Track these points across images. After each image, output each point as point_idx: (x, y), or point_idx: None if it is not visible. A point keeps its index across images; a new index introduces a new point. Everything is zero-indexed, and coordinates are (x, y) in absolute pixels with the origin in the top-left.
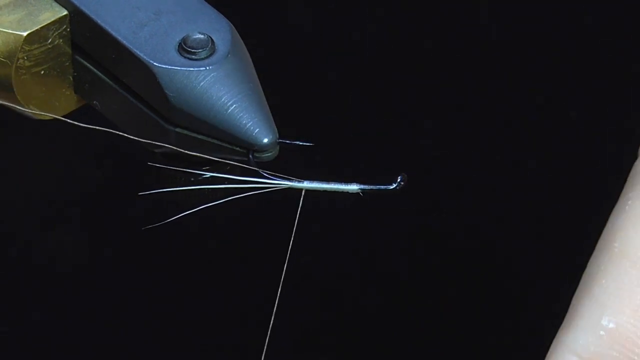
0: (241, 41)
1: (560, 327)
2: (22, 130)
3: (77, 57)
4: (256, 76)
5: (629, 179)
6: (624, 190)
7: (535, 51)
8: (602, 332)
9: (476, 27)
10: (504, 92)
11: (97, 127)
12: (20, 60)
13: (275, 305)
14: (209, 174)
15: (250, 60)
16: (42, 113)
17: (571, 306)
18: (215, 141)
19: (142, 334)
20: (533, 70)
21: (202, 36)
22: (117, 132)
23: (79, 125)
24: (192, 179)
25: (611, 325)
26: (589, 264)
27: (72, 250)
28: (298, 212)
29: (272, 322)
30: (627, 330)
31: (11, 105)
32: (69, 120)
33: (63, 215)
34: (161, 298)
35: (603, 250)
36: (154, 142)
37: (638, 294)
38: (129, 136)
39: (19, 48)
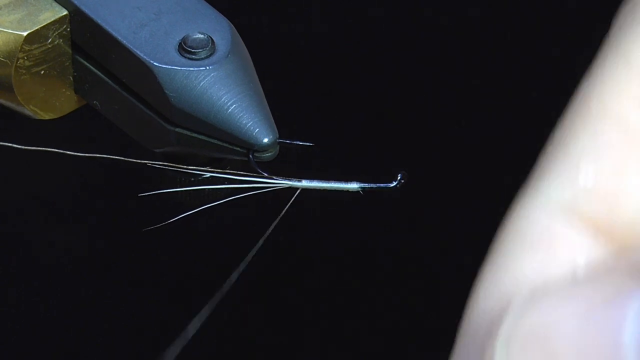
0: (241, 41)
1: (524, 189)
2: (22, 129)
3: (77, 57)
4: (256, 76)
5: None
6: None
7: (537, 49)
8: (580, 187)
9: (476, 26)
10: (505, 90)
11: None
12: (21, 60)
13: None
14: (208, 174)
15: (250, 60)
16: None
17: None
18: (215, 141)
19: (143, 334)
20: (533, 68)
21: (202, 36)
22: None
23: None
24: (192, 179)
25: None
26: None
27: (72, 251)
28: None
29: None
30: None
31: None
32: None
33: (63, 216)
34: (162, 299)
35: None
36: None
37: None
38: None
39: (19, 48)
